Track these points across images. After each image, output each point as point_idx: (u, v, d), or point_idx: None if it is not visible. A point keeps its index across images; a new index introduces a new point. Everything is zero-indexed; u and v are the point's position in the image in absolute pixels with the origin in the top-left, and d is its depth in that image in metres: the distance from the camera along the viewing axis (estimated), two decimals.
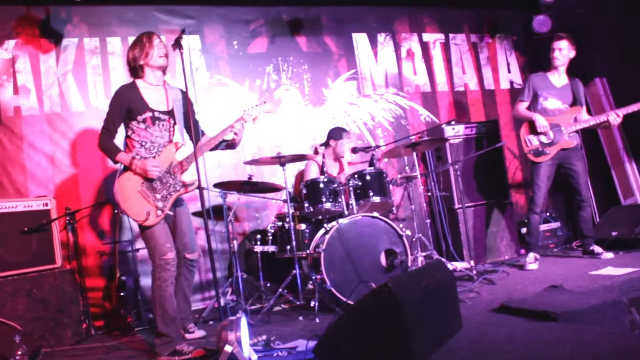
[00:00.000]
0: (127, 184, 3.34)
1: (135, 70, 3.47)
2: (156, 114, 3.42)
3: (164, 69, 3.51)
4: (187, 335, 3.67)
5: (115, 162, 3.39)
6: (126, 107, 3.36)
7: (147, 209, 3.30)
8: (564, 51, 4.78)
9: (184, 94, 3.54)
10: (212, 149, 3.58)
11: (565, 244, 5.93)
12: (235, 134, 3.54)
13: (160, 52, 3.42)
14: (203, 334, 3.64)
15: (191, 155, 3.40)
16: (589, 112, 4.87)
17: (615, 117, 4.61)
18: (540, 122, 4.70)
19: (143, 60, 3.42)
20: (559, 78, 4.87)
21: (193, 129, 3.46)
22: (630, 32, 5.81)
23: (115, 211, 4.63)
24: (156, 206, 3.33)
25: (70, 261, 4.34)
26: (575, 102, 4.83)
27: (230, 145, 3.67)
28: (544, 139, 4.73)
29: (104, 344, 3.86)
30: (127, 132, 3.44)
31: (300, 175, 5.25)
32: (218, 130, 3.57)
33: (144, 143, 3.40)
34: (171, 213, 3.47)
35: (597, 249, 4.82)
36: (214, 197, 4.60)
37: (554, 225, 5.93)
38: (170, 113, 3.49)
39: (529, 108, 4.88)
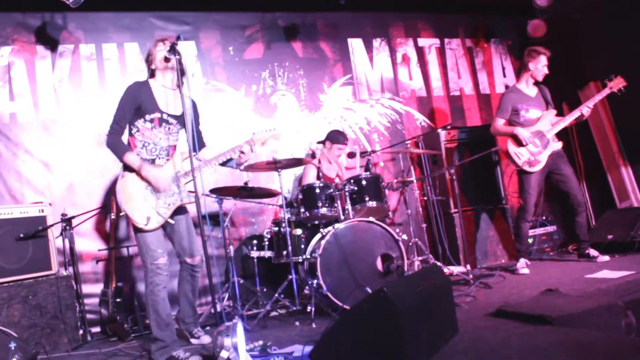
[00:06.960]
0: (131, 184, 3.29)
1: (151, 72, 3.49)
2: (164, 116, 3.39)
3: (179, 73, 3.35)
4: (193, 341, 3.67)
5: (122, 161, 3.30)
6: (137, 103, 3.32)
7: (148, 214, 3.26)
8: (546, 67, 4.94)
9: (194, 104, 3.57)
10: (219, 165, 3.58)
11: (561, 247, 5.94)
12: (240, 155, 3.52)
13: (160, 56, 3.38)
14: (209, 341, 3.58)
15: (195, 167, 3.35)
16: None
17: (588, 109, 4.82)
18: (523, 134, 4.77)
19: (153, 63, 3.44)
20: (530, 88, 4.99)
21: (197, 138, 3.50)
22: (624, 35, 5.85)
23: (113, 217, 4.62)
24: (157, 212, 3.28)
25: (67, 267, 4.34)
26: (547, 107, 4.98)
27: (237, 164, 3.62)
28: (532, 147, 4.79)
29: (101, 350, 3.84)
30: (130, 130, 3.37)
31: (300, 180, 5.26)
32: (223, 147, 3.58)
33: (146, 144, 3.36)
34: (172, 221, 3.39)
35: (593, 252, 4.84)
36: (210, 203, 4.60)
37: (550, 229, 5.94)
38: (179, 118, 3.45)
39: (508, 122, 4.94)
